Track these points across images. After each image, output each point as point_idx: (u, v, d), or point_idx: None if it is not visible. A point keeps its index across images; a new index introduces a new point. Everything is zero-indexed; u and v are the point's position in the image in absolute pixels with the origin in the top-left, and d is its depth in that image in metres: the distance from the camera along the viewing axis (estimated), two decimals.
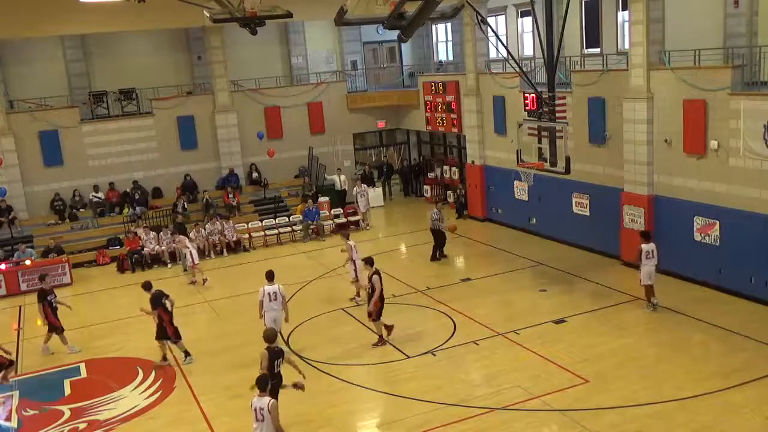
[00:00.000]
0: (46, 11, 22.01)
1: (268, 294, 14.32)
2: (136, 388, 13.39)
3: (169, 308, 14.23)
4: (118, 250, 22.43)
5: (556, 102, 17.23)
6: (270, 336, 11.26)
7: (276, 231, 23.94)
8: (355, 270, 16.88)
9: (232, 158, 26.33)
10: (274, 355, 11.25)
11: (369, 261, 14.79)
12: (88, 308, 18.58)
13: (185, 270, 21.06)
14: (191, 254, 19.86)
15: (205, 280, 19.66)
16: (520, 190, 22.26)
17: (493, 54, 24.70)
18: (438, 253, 20.26)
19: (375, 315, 14.35)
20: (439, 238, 20.21)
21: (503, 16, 26.76)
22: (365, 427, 11.71)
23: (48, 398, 13.18)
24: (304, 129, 27.69)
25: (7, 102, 24.33)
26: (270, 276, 14.50)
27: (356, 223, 24.91)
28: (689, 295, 15.98)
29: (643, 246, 15.21)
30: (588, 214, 19.58)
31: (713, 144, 15.61)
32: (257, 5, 14.49)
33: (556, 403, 11.51)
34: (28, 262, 20.57)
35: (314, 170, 27.12)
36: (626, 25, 19.58)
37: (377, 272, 14.35)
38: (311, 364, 13.73)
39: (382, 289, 14.26)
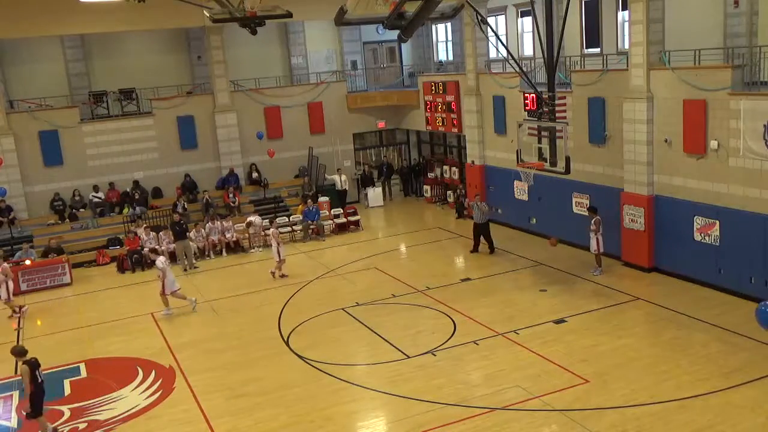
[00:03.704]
0: (46, 11, 22.07)
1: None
2: (136, 388, 13.37)
3: None
4: (118, 250, 22.43)
5: (556, 102, 17.21)
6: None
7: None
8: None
9: (232, 158, 26.35)
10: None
11: (16, 352, 11.56)
12: (88, 308, 18.58)
13: (185, 270, 21.08)
14: (7, 287, 17.94)
15: (19, 309, 18.16)
16: (520, 190, 22.26)
17: (493, 54, 24.71)
18: (475, 246, 20.57)
19: (32, 413, 11.42)
20: (480, 231, 20.47)
21: (503, 15, 26.75)
22: (365, 426, 11.70)
23: (48, 398, 13.11)
24: (304, 129, 27.71)
25: (7, 102, 24.33)
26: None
27: (356, 223, 24.92)
28: (689, 295, 15.98)
29: (599, 217, 17.64)
30: (588, 214, 19.54)
31: (713, 144, 15.61)
32: (257, 5, 14.53)
33: (556, 403, 11.51)
34: (28, 262, 20.57)
35: (314, 170, 27.12)
36: (626, 25, 19.58)
37: (27, 362, 11.32)
38: (311, 364, 13.74)
39: (32, 386, 11.31)
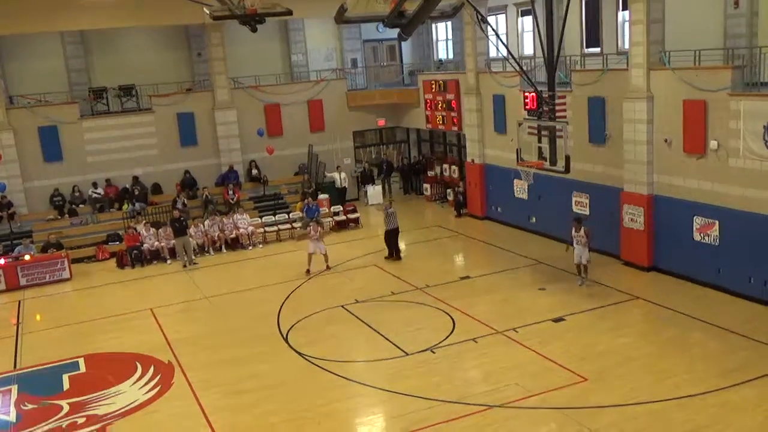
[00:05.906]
0: (45, 7, 22.02)
1: None
2: (135, 383, 13.38)
3: None
4: (117, 246, 22.43)
5: (556, 101, 17.20)
6: None
7: (275, 228, 23.96)
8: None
9: (231, 155, 26.33)
10: None
11: None
12: (88, 304, 18.60)
13: (185, 266, 21.09)
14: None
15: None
16: (520, 189, 22.28)
17: (493, 53, 24.68)
18: (390, 252, 20.41)
19: None
20: (392, 237, 20.39)
21: (503, 14, 26.76)
22: (364, 423, 11.73)
23: (47, 393, 13.20)
24: (303, 126, 27.71)
25: (6, 97, 24.29)
26: None
27: (356, 221, 24.94)
28: (689, 294, 15.99)
29: (587, 228, 17.04)
30: (588, 213, 19.59)
31: (713, 144, 15.63)
32: (257, 3, 14.54)
33: (554, 401, 11.53)
34: (27, 257, 20.56)
35: (314, 167, 27.13)
36: (626, 24, 19.60)
37: None
38: (311, 361, 13.76)
39: None
